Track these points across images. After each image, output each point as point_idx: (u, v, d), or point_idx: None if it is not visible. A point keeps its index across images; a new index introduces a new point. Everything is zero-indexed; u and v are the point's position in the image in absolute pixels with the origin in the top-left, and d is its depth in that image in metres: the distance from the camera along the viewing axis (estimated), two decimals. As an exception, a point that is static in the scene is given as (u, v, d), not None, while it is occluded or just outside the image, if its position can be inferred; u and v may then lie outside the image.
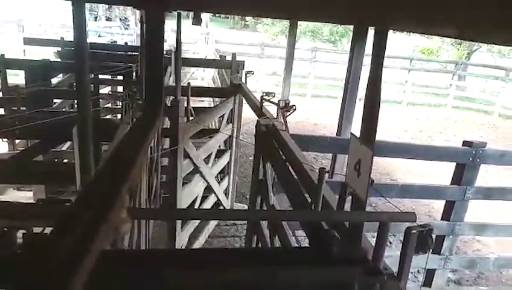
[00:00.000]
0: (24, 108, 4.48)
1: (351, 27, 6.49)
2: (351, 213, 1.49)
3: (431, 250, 1.53)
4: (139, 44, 7.52)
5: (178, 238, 3.49)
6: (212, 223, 4.92)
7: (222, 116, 5.15)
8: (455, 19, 1.09)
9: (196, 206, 4.35)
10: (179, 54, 3.43)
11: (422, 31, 1.41)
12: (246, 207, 6.03)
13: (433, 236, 4.06)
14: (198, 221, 4.24)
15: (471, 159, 3.71)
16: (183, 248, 3.78)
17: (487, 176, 7.90)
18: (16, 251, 1.26)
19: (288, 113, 3.24)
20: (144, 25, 1.56)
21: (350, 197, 1.69)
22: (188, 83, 4.48)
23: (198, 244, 4.41)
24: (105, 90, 7.30)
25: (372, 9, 0.91)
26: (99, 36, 19.05)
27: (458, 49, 20.04)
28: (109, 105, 7.06)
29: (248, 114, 4.57)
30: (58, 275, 0.71)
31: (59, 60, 6.17)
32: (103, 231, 0.71)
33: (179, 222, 3.62)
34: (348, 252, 1.37)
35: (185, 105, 3.92)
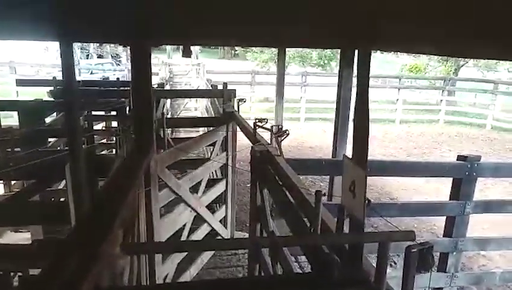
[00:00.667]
0: (18, 149, 4.48)
1: (339, 50, 6.61)
2: (350, 235, 1.48)
3: (433, 268, 1.51)
4: (130, 78, 7.62)
5: (160, 270, 3.38)
6: (208, 254, 4.83)
7: (214, 145, 5.16)
8: (434, 36, 1.12)
9: (184, 236, 4.28)
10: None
11: (404, 50, 1.45)
12: (246, 235, 5.96)
13: (436, 254, 4.01)
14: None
15: (467, 173, 3.72)
16: (167, 281, 3.68)
17: (485, 189, 7.90)
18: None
19: (282, 138, 3.25)
20: (131, 62, 1.59)
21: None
22: (162, 113, 4.51)
23: (188, 276, 4.31)
24: (99, 126, 7.34)
25: (353, 33, 0.94)
26: (91, 73, 19.24)
27: (445, 66, 20.40)
28: (104, 140, 7.08)
29: (243, 141, 4.58)
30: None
31: (52, 99, 6.21)
32: (94, 268, 0.70)
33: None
34: (350, 274, 1.35)
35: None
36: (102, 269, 0.75)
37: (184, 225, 4.34)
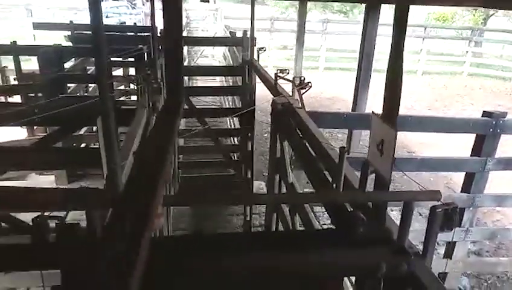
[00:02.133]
0: (40, 94, 4.53)
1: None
2: (375, 193, 1.48)
3: (456, 226, 1.52)
4: (147, 24, 7.47)
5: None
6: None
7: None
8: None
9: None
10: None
11: (448, 3, 1.36)
12: (263, 184, 6.07)
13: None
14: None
15: (491, 130, 3.64)
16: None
17: (506, 145, 7.77)
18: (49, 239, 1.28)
19: (304, 90, 3.20)
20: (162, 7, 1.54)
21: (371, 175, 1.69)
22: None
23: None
24: (116, 72, 7.32)
25: None
26: (107, 17, 18.92)
27: (474, 15, 19.40)
28: (122, 87, 7.09)
29: (262, 92, 4.53)
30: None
31: (70, 44, 6.17)
32: (149, 225, 0.72)
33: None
34: (374, 232, 1.37)
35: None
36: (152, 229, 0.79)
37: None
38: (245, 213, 5.13)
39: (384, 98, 1.51)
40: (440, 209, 1.44)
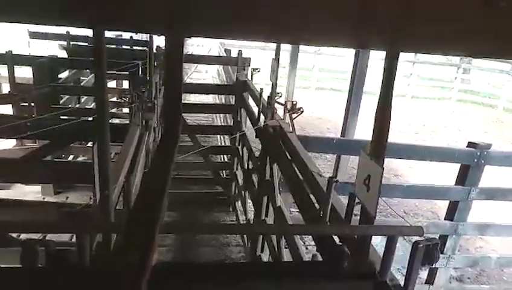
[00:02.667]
0: (33, 104, 4.53)
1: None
2: (361, 227, 1.53)
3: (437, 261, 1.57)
4: (144, 38, 7.54)
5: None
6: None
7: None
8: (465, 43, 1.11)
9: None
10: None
11: (435, 52, 1.44)
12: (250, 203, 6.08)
13: (435, 235, 4.08)
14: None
15: (475, 160, 3.73)
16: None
17: (492, 174, 7.92)
18: (38, 265, 1.30)
19: (296, 115, 3.27)
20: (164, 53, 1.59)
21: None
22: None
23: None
24: (110, 84, 7.35)
25: (377, 35, 0.95)
26: (103, 27, 18.98)
27: (463, 42, 19.87)
28: (114, 99, 7.11)
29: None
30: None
31: (65, 55, 6.20)
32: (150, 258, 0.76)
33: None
34: (357, 266, 1.42)
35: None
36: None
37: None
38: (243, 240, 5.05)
39: (372, 136, 1.57)
40: (422, 245, 1.49)
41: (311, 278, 1.36)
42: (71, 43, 6.88)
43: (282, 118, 3.50)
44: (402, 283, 1.54)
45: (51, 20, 1.14)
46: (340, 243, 1.50)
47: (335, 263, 1.36)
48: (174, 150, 1.15)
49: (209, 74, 13.69)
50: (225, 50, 8.58)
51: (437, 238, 1.52)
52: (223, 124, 6.97)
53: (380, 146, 1.51)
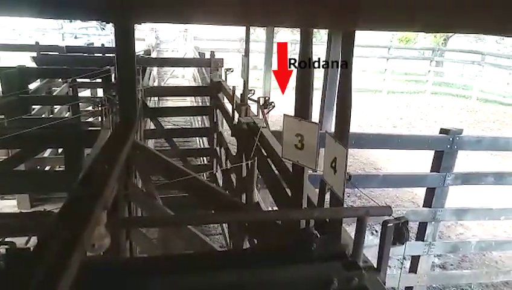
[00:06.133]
0: (2, 116, 4.42)
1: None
2: (329, 210, 1.53)
3: (411, 238, 1.59)
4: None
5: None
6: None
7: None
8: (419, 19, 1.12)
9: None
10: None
11: (387, 29, 1.46)
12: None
13: (416, 223, 4.11)
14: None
15: (448, 146, 3.80)
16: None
17: (467, 159, 8.09)
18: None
19: (268, 110, 3.27)
20: (115, 37, 1.58)
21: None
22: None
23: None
24: (84, 93, 7.24)
25: (327, 15, 0.95)
26: (75, 38, 18.74)
27: (435, 36, 20.31)
28: (90, 108, 7.00)
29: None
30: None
31: (35, 65, 6.08)
32: (78, 250, 0.73)
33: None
34: (328, 248, 1.41)
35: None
36: (87, 249, 0.79)
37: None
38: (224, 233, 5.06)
39: (336, 117, 1.58)
40: (391, 224, 1.50)
41: (282, 263, 1.35)
42: (41, 52, 6.75)
43: (256, 114, 3.51)
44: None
45: (1, 10, 1.11)
46: (310, 227, 1.50)
47: (303, 246, 1.36)
48: (130, 133, 1.13)
49: (185, 79, 13.63)
50: (199, 53, 8.56)
51: (405, 216, 1.53)
52: (200, 127, 6.94)
53: (343, 127, 1.52)
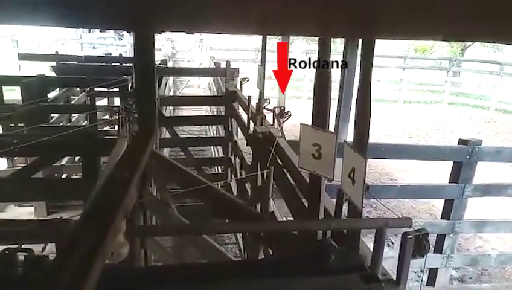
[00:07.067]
0: (22, 124, 4.50)
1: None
2: (348, 221, 1.51)
3: (428, 253, 1.55)
4: (132, 54, 7.57)
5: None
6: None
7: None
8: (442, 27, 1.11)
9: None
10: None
11: (409, 38, 1.45)
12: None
13: (433, 235, 4.04)
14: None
15: (467, 157, 3.73)
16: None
17: (486, 171, 7.93)
18: (17, 273, 1.27)
19: (284, 119, 3.26)
20: (134, 46, 1.60)
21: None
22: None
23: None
24: (102, 102, 7.34)
25: (345, 25, 0.94)
26: (93, 48, 19.09)
27: (452, 46, 20.11)
28: (107, 117, 7.10)
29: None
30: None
31: (54, 74, 6.20)
32: (100, 259, 0.73)
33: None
34: (346, 260, 1.39)
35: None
36: (107, 258, 0.79)
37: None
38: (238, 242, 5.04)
39: (354, 127, 1.56)
40: (411, 236, 1.47)
41: (299, 275, 1.33)
42: (60, 62, 6.88)
43: (271, 124, 3.50)
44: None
45: (21, 19, 1.13)
46: (327, 238, 1.48)
47: (321, 258, 1.33)
48: (149, 142, 1.13)
49: (200, 89, 13.73)
50: (215, 63, 8.62)
51: (425, 228, 1.49)
52: (215, 136, 6.96)
53: (362, 137, 1.50)
